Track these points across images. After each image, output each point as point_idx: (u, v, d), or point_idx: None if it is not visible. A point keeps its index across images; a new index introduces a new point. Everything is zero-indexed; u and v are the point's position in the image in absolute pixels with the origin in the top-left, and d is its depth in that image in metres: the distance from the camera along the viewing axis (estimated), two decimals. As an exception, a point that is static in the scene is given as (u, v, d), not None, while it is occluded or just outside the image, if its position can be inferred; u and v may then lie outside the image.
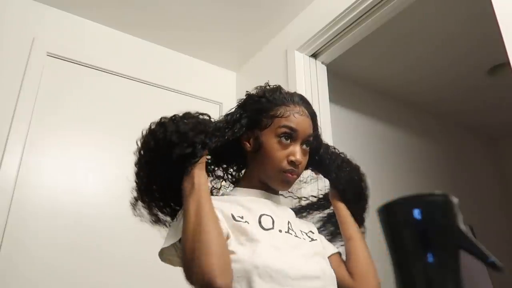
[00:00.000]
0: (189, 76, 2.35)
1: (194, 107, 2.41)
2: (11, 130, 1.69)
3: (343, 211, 1.05)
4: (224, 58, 2.43)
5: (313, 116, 1.01)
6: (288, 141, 0.94)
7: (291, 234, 0.91)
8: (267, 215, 0.91)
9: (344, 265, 0.98)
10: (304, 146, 0.96)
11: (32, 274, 1.57)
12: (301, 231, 0.95)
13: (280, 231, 0.90)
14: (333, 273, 0.90)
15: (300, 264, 0.84)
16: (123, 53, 2.15)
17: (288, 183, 0.95)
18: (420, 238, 0.46)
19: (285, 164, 0.93)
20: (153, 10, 2.04)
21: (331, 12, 1.80)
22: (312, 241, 0.95)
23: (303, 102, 1.01)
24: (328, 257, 0.96)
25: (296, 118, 0.95)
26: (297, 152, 0.93)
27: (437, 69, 2.62)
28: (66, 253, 1.65)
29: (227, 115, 1.02)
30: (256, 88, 1.04)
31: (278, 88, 1.02)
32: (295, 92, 1.03)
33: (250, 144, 0.98)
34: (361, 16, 1.72)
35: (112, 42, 2.13)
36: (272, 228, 0.89)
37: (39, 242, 1.63)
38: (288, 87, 1.08)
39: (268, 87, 1.03)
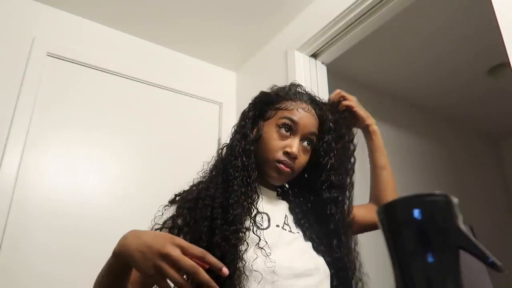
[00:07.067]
0: (189, 76, 2.35)
1: (194, 107, 2.41)
2: (11, 130, 1.69)
3: (380, 139, 1.09)
4: (224, 58, 2.43)
5: (322, 118, 0.99)
6: (288, 133, 0.94)
7: (286, 230, 0.92)
8: (263, 213, 0.91)
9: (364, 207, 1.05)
10: (305, 144, 0.96)
11: (32, 274, 1.57)
12: (295, 224, 0.96)
13: (278, 226, 0.91)
14: (327, 269, 0.90)
15: (292, 262, 0.85)
16: (124, 53, 2.15)
17: (280, 174, 0.93)
18: (420, 238, 0.46)
19: (280, 154, 0.92)
20: (153, 11, 2.04)
21: (331, 12, 1.80)
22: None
23: (312, 102, 1.00)
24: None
25: (299, 112, 0.95)
26: (294, 145, 0.92)
27: (437, 69, 2.62)
28: (66, 253, 1.65)
29: (241, 113, 1.03)
30: (273, 86, 1.06)
31: (290, 85, 1.03)
32: (308, 93, 1.03)
33: (253, 135, 0.97)
34: (361, 16, 1.72)
35: (112, 42, 2.13)
36: (269, 226, 0.90)
37: (39, 242, 1.63)
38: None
39: (284, 86, 1.04)
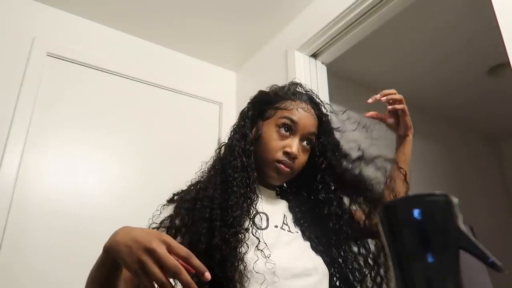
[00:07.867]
0: (189, 76, 2.35)
1: (194, 107, 2.41)
2: (11, 130, 1.69)
3: (410, 149, 1.06)
4: (224, 58, 2.43)
5: (320, 118, 1.00)
6: (288, 133, 0.94)
7: (284, 230, 0.92)
8: (261, 213, 0.91)
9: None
10: (305, 143, 0.96)
11: (32, 274, 1.57)
12: (294, 223, 0.95)
13: (276, 226, 0.91)
14: (326, 268, 0.90)
15: (291, 263, 0.85)
16: (123, 53, 2.15)
17: (280, 174, 0.94)
18: (420, 238, 0.46)
19: (280, 154, 0.92)
20: (153, 11, 2.04)
21: (331, 12, 1.80)
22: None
23: (312, 102, 1.00)
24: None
25: (298, 112, 0.95)
26: (294, 145, 0.92)
27: (437, 70, 2.62)
28: (66, 253, 1.65)
29: (240, 113, 1.03)
30: (272, 85, 1.06)
31: (289, 85, 1.03)
32: (307, 92, 1.02)
33: (252, 134, 0.97)
34: (361, 16, 1.73)
35: (112, 42, 2.14)
36: (267, 226, 0.89)
37: (39, 242, 1.63)
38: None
39: (284, 85, 1.04)
